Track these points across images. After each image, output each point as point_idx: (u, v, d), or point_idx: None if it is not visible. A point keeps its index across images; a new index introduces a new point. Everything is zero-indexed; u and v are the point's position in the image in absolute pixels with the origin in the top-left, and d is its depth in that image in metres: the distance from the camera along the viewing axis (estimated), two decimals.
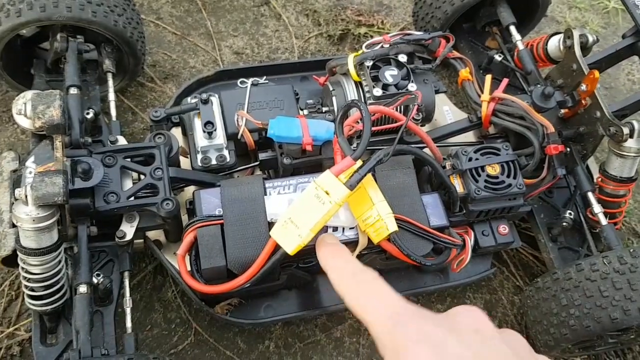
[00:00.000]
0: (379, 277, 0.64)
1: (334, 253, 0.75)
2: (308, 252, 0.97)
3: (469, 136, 1.31)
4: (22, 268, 0.90)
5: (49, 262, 0.90)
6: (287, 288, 1.13)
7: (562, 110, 1.23)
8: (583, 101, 1.18)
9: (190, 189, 1.15)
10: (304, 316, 1.14)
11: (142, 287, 1.20)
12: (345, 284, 0.65)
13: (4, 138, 1.35)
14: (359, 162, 0.92)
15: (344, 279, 0.67)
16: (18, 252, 0.88)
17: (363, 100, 1.15)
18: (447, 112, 1.36)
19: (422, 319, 0.51)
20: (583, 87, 1.17)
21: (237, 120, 1.14)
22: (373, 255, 1.06)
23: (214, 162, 1.12)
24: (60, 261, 0.92)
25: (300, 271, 1.07)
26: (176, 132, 1.20)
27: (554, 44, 1.30)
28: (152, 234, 1.10)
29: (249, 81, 1.24)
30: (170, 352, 1.14)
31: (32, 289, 0.92)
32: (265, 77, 1.28)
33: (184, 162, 1.16)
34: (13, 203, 0.95)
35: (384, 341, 0.52)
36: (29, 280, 0.91)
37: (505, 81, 1.22)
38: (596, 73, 1.15)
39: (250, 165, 1.16)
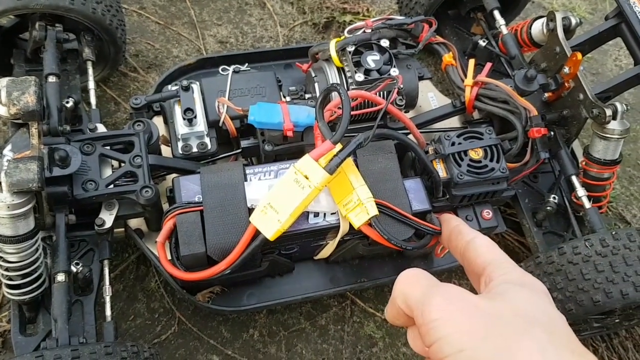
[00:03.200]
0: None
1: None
2: (289, 238, 0.98)
3: (454, 122, 1.31)
4: None
5: (26, 250, 0.89)
6: (270, 275, 1.12)
7: (546, 94, 1.23)
8: (566, 84, 1.18)
9: (170, 179, 1.15)
10: (286, 303, 1.14)
11: (125, 277, 1.19)
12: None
13: None
14: (339, 146, 0.92)
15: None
16: None
17: (345, 86, 1.14)
18: (432, 99, 1.36)
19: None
20: (566, 69, 1.17)
21: (218, 107, 1.13)
22: (356, 241, 1.05)
23: (195, 149, 1.11)
24: (37, 249, 0.91)
25: (282, 258, 1.06)
26: (158, 121, 1.19)
27: (538, 28, 1.30)
28: (134, 223, 1.09)
29: (231, 68, 1.23)
30: (153, 342, 1.13)
31: (9, 278, 0.91)
32: (247, 65, 1.27)
33: (166, 151, 1.15)
34: None
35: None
36: (6, 269, 0.90)
37: (488, 65, 1.21)
38: (579, 55, 1.14)
39: (232, 152, 1.16)
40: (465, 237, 0.66)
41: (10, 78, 0.94)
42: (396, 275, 1.16)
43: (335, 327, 1.20)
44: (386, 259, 1.16)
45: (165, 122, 1.19)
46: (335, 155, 0.91)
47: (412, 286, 0.55)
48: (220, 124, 1.13)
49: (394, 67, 1.14)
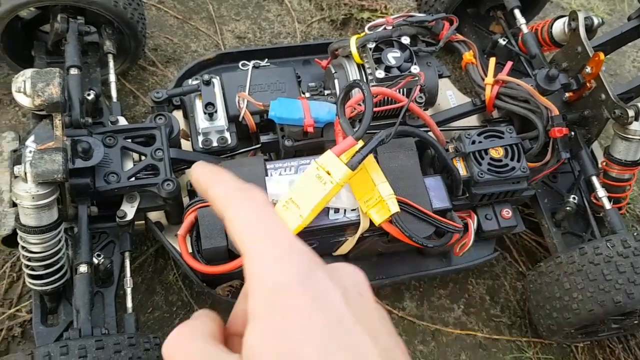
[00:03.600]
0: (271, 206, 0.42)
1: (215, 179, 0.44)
2: (309, 233, 0.98)
3: (472, 120, 1.30)
4: (22, 247, 0.90)
5: (49, 241, 0.89)
6: None
7: (567, 94, 1.22)
8: (588, 84, 1.17)
9: (190, 172, 1.15)
10: None
11: (143, 269, 1.20)
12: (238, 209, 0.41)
13: (5, 121, 1.35)
14: (361, 143, 0.92)
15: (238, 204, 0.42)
16: (18, 231, 0.88)
17: (366, 83, 1.14)
18: (450, 97, 1.35)
19: (313, 261, 0.39)
20: (588, 69, 1.16)
21: (239, 102, 1.13)
22: (375, 238, 1.05)
23: (215, 144, 1.12)
24: (60, 240, 0.91)
25: None
26: (177, 115, 1.19)
27: (559, 27, 1.29)
28: (154, 216, 1.09)
29: (251, 63, 1.23)
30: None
31: (32, 269, 0.91)
32: (267, 60, 1.27)
33: (185, 145, 1.15)
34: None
35: (261, 276, 0.38)
36: (29, 259, 0.91)
37: (509, 64, 1.21)
38: (601, 55, 1.14)
39: (252, 147, 1.16)
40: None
41: (35, 69, 0.94)
42: (414, 273, 1.17)
43: None
44: (404, 256, 1.16)
45: (185, 116, 1.19)
46: (357, 152, 0.91)
47: None
48: (240, 118, 1.13)
49: (415, 64, 1.14)
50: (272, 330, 0.35)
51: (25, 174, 0.84)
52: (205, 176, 0.43)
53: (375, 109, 1.12)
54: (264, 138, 1.13)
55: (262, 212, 0.41)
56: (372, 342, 0.36)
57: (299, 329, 0.35)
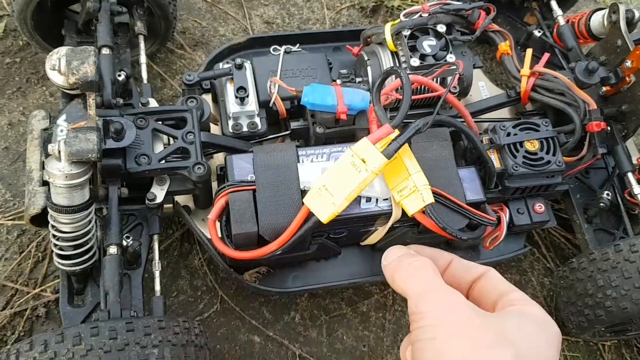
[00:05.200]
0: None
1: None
2: (341, 222, 0.96)
3: (504, 113, 1.28)
4: (52, 226, 0.89)
5: (80, 221, 0.88)
6: (316, 259, 1.11)
7: (604, 88, 1.19)
8: (627, 78, 1.14)
9: (218, 157, 1.14)
10: (331, 287, 1.13)
11: (169, 253, 1.19)
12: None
13: (32, 100, 1.34)
14: (397, 131, 0.90)
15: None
16: (49, 209, 0.87)
17: (404, 70, 1.12)
18: (482, 88, 1.33)
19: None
20: (628, 63, 1.13)
21: (270, 87, 1.12)
22: (405, 229, 1.03)
23: (245, 128, 1.10)
24: (90, 221, 0.91)
25: (331, 242, 1.05)
26: (206, 98, 1.18)
27: (598, 20, 1.26)
28: (181, 200, 1.09)
29: (282, 48, 1.22)
30: (196, 319, 1.13)
31: (61, 248, 0.91)
32: (298, 46, 1.26)
33: (214, 130, 1.14)
34: (43, 161, 0.94)
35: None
36: (58, 239, 0.90)
37: (546, 56, 1.18)
38: None
39: (282, 134, 1.14)
40: (478, 269, 0.61)
41: (70, 47, 0.93)
42: None
43: (377, 315, 1.19)
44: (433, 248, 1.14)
45: (214, 100, 1.18)
46: (393, 140, 0.89)
47: (411, 278, 0.57)
48: (271, 104, 1.12)
49: (450, 53, 1.12)
50: None
51: (60, 152, 0.83)
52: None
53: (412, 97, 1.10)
54: (294, 124, 1.12)
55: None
56: None
57: None
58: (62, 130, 0.94)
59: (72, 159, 0.82)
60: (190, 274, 1.18)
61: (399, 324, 1.19)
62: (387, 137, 0.89)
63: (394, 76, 1.01)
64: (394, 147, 0.88)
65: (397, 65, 1.13)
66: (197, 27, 1.50)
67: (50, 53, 0.94)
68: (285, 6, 1.57)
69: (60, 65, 0.91)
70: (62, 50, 0.92)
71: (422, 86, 1.10)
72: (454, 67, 1.07)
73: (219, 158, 1.14)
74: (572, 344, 1.22)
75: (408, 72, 1.10)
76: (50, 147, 0.84)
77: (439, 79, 1.12)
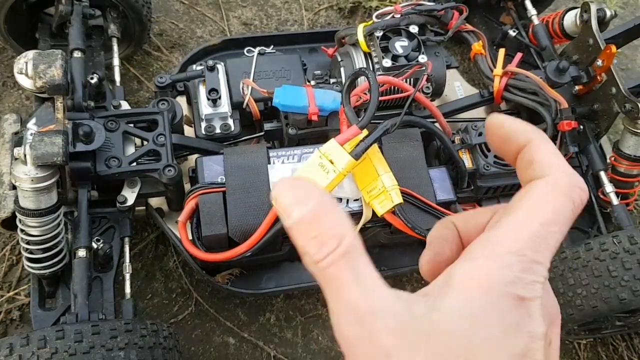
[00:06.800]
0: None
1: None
2: None
3: (480, 112, 1.28)
4: (21, 230, 0.89)
5: (48, 224, 0.88)
6: (290, 260, 1.11)
7: (577, 87, 1.20)
8: (598, 77, 1.15)
9: (193, 159, 1.14)
10: (305, 288, 1.13)
11: (143, 256, 1.19)
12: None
13: (8, 103, 1.34)
14: (365, 132, 0.90)
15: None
16: (17, 213, 0.87)
17: (372, 71, 1.12)
18: (458, 88, 1.33)
19: None
20: (599, 62, 1.14)
21: (243, 89, 1.12)
22: (377, 229, 1.04)
23: (218, 130, 1.10)
24: (59, 224, 0.90)
25: None
26: (181, 101, 1.18)
27: (571, 19, 1.27)
28: (155, 202, 1.08)
29: (256, 50, 1.22)
30: (170, 322, 1.13)
31: (30, 252, 0.91)
32: (272, 47, 1.26)
33: (188, 131, 1.14)
34: None
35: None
36: (27, 242, 0.90)
37: (519, 55, 1.19)
38: (613, 48, 1.11)
39: (255, 135, 1.14)
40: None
41: (37, 51, 0.93)
42: (416, 265, 1.15)
43: None
44: (407, 248, 1.15)
45: (189, 102, 1.18)
46: (361, 141, 0.89)
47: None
48: (244, 105, 1.12)
49: (423, 53, 1.12)
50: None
51: (25, 156, 0.83)
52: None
53: (381, 98, 1.10)
54: (267, 126, 1.12)
55: None
56: None
57: None
58: (31, 134, 0.93)
59: (37, 163, 0.82)
60: (165, 277, 1.18)
61: None
62: (356, 138, 0.90)
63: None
64: (361, 147, 0.89)
65: (371, 66, 1.14)
66: (175, 29, 1.50)
67: (18, 57, 0.94)
68: (263, 7, 1.57)
69: (28, 68, 0.91)
70: (30, 54, 0.92)
71: (394, 87, 1.11)
72: (424, 67, 1.07)
73: (192, 160, 1.13)
74: None
75: (380, 72, 1.10)
76: (16, 150, 0.84)
77: (411, 79, 1.13)
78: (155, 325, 0.86)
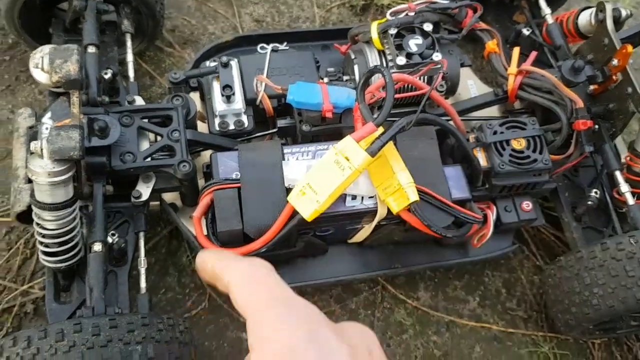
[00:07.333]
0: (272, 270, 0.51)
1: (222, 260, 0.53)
2: (325, 220, 0.96)
3: (493, 111, 1.28)
4: (37, 223, 0.89)
5: (64, 218, 0.88)
6: (303, 256, 1.11)
7: (591, 86, 1.19)
8: (614, 77, 1.15)
9: (206, 154, 1.14)
10: (319, 285, 1.13)
11: (157, 250, 1.19)
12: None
13: (21, 98, 1.34)
14: (381, 129, 0.90)
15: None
16: (33, 207, 0.87)
17: (387, 69, 1.12)
18: (471, 86, 1.33)
19: (317, 320, 0.45)
20: (614, 62, 1.13)
21: (256, 85, 1.12)
22: (392, 226, 1.04)
23: (231, 127, 1.10)
24: (74, 218, 0.90)
25: (317, 239, 1.05)
26: (194, 96, 1.18)
27: (585, 18, 1.26)
28: (168, 197, 1.08)
29: (269, 47, 1.22)
30: (183, 317, 1.13)
31: (46, 245, 0.91)
32: (285, 44, 1.26)
33: (202, 127, 1.14)
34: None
35: (269, 340, 0.43)
36: (43, 236, 0.90)
37: (533, 54, 1.18)
38: (629, 47, 1.11)
39: (268, 132, 1.14)
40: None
41: (53, 45, 0.94)
42: (430, 263, 1.15)
43: (366, 312, 1.19)
44: (420, 246, 1.15)
45: (202, 98, 1.18)
46: (377, 138, 0.89)
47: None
48: (258, 102, 1.12)
49: (437, 51, 1.12)
50: None
51: (42, 150, 0.83)
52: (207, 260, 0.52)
53: (395, 96, 1.10)
54: (281, 122, 1.12)
55: (255, 275, 0.48)
56: None
57: None
58: (47, 128, 0.94)
59: (54, 157, 0.82)
60: (178, 272, 1.18)
61: (388, 322, 1.19)
62: (371, 135, 0.90)
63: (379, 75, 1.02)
64: (377, 145, 0.88)
65: (385, 63, 1.13)
66: (187, 25, 1.50)
67: (34, 52, 0.94)
68: (275, 4, 1.57)
69: (44, 63, 0.91)
70: (46, 48, 0.93)
71: (408, 85, 1.10)
72: (439, 65, 1.07)
73: (205, 156, 1.13)
74: (561, 342, 1.22)
75: (394, 70, 1.10)
76: (32, 144, 0.84)
77: (425, 77, 1.12)
78: (171, 319, 0.86)
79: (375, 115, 0.90)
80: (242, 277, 0.48)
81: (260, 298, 0.45)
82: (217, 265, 0.51)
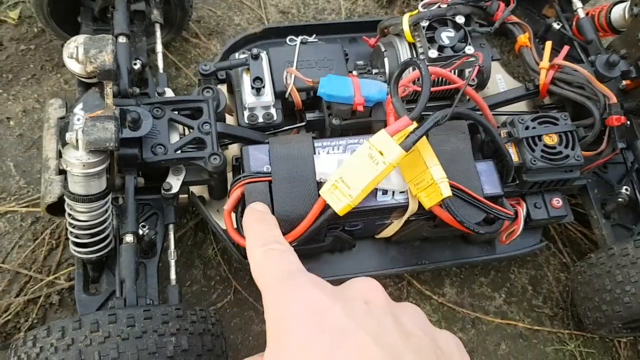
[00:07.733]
0: (291, 249, 0.60)
1: (259, 219, 0.72)
2: (356, 214, 0.95)
3: (521, 106, 1.27)
4: (69, 214, 0.89)
5: (97, 210, 0.88)
6: (330, 251, 1.11)
7: (624, 82, 1.17)
8: None
9: (233, 148, 1.14)
10: (344, 280, 1.12)
11: (182, 243, 1.19)
12: (255, 247, 0.60)
13: (47, 87, 1.34)
14: (415, 123, 0.89)
15: (258, 242, 0.60)
16: (65, 198, 0.87)
17: (424, 62, 1.11)
18: (499, 80, 1.32)
19: (313, 287, 0.49)
20: None
21: (286, 78, 1.11)
22: (421, 222, 1.03)
23: (260, 120, 1.10)
24: (107, 210, 0.90)
25: (345, 234, 1.05)
26: (222, 89, 1.17)
27: (619, 12, 1.24)
28: (196, 190, 1.08)
29: (298, 39, 1.21)
30: (209, 309, 1.13)
31: (77, 236, 0.91)
32: (314, 36, 1.25)
33: (229, 120, 1.14)
34: (60, 150, 0.94)
35: (270, 308, 0.49)
36: (74, 227, 0.90)
37: (566, 48, 1.16)
38: None
39: (297, 125, 1.13)
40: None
41: (87, 35, 0.93)
42: (457, 260, 1.15)
43: None
44: (448, 242, 1.14)
45: (230, 90, 1.17)
46: (411, 132, 0.88)
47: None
48: (287, 95, 1.11)
49: (469, 44, 1.10)
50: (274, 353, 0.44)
51: (77, 141, 0.83)
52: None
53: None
54: (309, 116, 1.11)
55: (276, 255, 0.57)
56: (373, 341, 0.42)
57: (297, 353, 0.43)
58: (78, 119, 0.93)
59: (89, 148, 0.82)
60: (203, 264, 1.18)
61: None
62: (405, 130, 0.89)
63: (411, 68, 1.00)
64: (412, 139, 0.87)
65: (415, 56, 1.12)
66: (212, 16, 1.49)
67: (68, 41, 0.93)
68: None
69: (78, 53, 0.90)
70: (80, 38, 0.92)
71: (440, 78, 1.09)
72: (473, 59, 1.06)
73: (233, 149, 1.13)
74: (587, 340, 1.21)
75: (426, 63, 1.09)
76: (68, 135, 0.84)
77: (456, 71, 1.11)
78: (204, 311, 0.86)
79: (408, 109, 0.89)
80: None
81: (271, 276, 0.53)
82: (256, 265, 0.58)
